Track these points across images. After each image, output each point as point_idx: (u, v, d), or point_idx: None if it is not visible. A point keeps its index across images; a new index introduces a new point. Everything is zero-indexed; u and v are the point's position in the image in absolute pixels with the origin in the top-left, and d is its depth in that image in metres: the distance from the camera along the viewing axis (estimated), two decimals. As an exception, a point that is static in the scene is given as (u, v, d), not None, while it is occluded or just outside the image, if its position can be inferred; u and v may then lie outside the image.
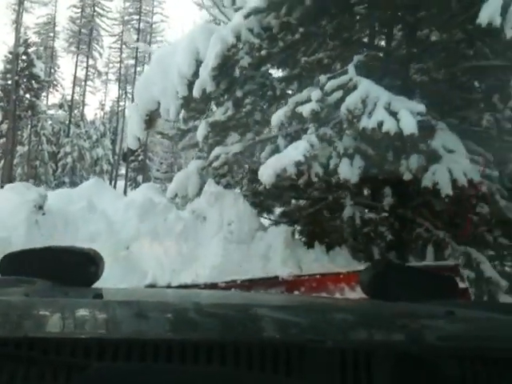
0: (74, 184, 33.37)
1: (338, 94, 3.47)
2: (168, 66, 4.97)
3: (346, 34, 4.31)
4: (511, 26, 3.26)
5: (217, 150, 4.87)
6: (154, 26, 41.24)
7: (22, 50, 29.28)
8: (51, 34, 41.09)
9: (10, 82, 29.13)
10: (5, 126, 30.26)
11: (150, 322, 0.97)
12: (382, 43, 5.10)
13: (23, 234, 3.69)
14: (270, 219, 4.81)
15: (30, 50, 29.84)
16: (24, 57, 29.32)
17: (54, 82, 38.96)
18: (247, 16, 4.68)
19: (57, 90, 42.04)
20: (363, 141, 3.55)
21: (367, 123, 3.26)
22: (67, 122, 36.98)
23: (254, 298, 1.78)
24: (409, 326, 1.07)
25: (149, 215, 4.24)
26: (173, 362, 0.72)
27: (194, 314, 1.07)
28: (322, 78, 3.72)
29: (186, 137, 5.90)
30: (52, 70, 40.49)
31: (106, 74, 46.11)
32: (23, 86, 29.48)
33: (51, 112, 36.43)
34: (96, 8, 40.40)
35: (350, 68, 3.67)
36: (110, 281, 3.79)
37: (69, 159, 33.37)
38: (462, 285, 3.21)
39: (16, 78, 28.53)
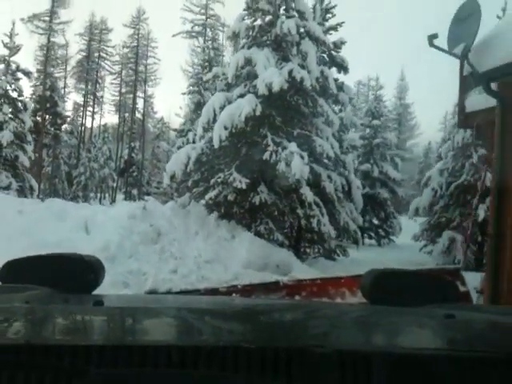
0: (85, 197, 41.96)
1: (228, 177, 12.23)
2: (178, 158, 13.76)
3: (234, 155, 13.13)
4: (287, 166, 12.07)
5: (194, 190, 13.78)
6: (148, 67, 50.32)
7: (48, 93, 37.87)
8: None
9: (39, 119, 37.62)
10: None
11: (151, 329, 1.02)
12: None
13: (140, 215, 12.32)
14: (211, 212, 13.40)
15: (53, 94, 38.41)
16: (50, 99, 37.87)
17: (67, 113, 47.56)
18: (205, 142, 13.58)
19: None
20: (234, 191, 12.30)
21: (235, 185, 12.00)
22: (78, 147, 45.81)
23: (255, 303, 1.79)
24: (409, 330, 1.11)
25: (174, 209, 12.94)
26: (173, 368, 0.74)
27: (194, 320, 1.10)
28: (225, 170, 12.47)
29: (183, 183, 14.73)
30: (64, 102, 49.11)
31: (102, 97, 54.83)
32: (49, 122, 38.09)
33: (65, 138, 44.94)
34: (101, 53, 49.31)
35: (233, 168, 12.41)
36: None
37: (82, 178, 41.92)
38: (462, 288, 3.37)
39: (44, 115, 37.10)
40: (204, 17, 42.14)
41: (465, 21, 5.83)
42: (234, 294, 3.69)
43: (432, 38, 5.79)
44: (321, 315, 1.29)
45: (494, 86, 5.99)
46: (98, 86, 50.60)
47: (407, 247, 20.29)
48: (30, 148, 20.31)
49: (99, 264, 1.51)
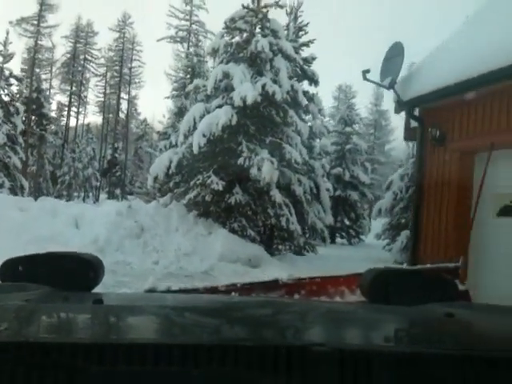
0: (69, 196, 42.95)
1: (207, 180, 13.61)
2: (161, 162, 15.15)
3: (212, 160, 14.51)
4: (259, 171, 13.47)
5: (175, 190, 15.13)
6: (132, 69, 51.49)
7: (34, 95, 38.87)
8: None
9: (24, 118, 38.52)
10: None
11: (151, 327, 1.03)
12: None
13: (125, 212, 13.62)
14: (191, 211, 14.78)
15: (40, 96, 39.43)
16: (36, 100, 38.88)
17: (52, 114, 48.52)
18: (186, 147, 14.96)
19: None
20: (212, 193, 13.71)
21: (213, 187, 13.40)
22: (62, 147, 46.76)
23: (254, 301, 1.80)
24: (409, 328, 1.13)
25: (157, 207, 14.30)
26: (173, 366, 0.74)
27: (194, 319, 1.12)
28: (204, 173, 13.86)
29: (165, 185, 16.09)
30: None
31: (86, 97, 55.87)
32: (35, 123, 39.11)
33: (50, 139, 45.99)
34: (86, 55, 50.35)
35: (211, 172, 13.80)
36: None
37: (66, 177, 42.95)
38: (461, 287, 3.36)
39: (30, 116, 38.09)
40: (188, 23, 43.49)
41: (392, 59, 7.32)
42: (233, 293, 3.66)
43: (365, 72, 7.27)
44: (320, 314, 1.30)
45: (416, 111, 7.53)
46: (82, 87, 51.56)
47: (374, 246, 21.86)
48: (20, 150, 21.52)
49: (99, 262, 1.50)
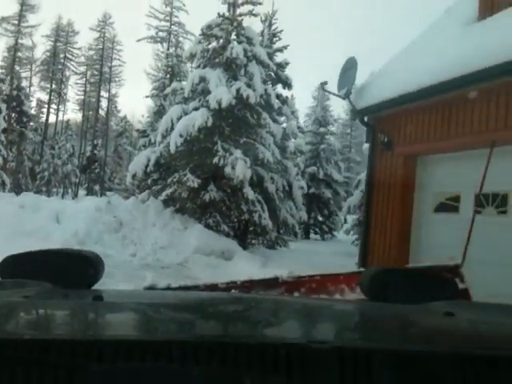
0: (49, 192, 43.21)
1: (183, 177, 14.41)
2: (139, 160, 15.87)
3: (188, 159, 15.34)
4: (233, 169, 14.30)
5: (153, 187, 15.91)
6: (113, 68, 51.86)
7: (15, 93, 39.12)
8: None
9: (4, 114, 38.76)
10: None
11: (150, 324, 1.03)
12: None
13: (104, 207, 14.32)
14: (168, 207, 15.53)
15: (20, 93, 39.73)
16: (16, 98, 39.14)
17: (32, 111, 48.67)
18: (164, 147, 15.73)
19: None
20: (188, 190, 14.54)
21: (189, 184, 14.21)
22: (41, 144, 46.96)
23: (254, 299, 1.77)
24: (408, 327, 1.13)
25: (135, 203, 15.02)
26: (173, 363, 0.74)
27: (194, 316, 1.13)
28: (181, 172, 14.66)
29: (144, 182, 16.86)
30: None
31: (65, 94, 56.04)
32: (15, 120, 39.38)
33: (30, 136, 46.23)
34: (66, 54, 50.60)
35: (187, 170, 14.61)
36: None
37: (45, 173, 43.22)
38: (461, 286, 3.40)
39: (11, 114, 38.33)
40: (168, 23, 44.07)
41: (347, 72, 8.21)
42: (232, 290, 3.65)
43: (323, 84, 8.15)
44: (320, 312, 1.30)
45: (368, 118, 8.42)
46: (62, 85, 51.78)
47: (344, 241, 22.88)
48: (2, 147, 22.03)
49: (98, 259, 1.50)
